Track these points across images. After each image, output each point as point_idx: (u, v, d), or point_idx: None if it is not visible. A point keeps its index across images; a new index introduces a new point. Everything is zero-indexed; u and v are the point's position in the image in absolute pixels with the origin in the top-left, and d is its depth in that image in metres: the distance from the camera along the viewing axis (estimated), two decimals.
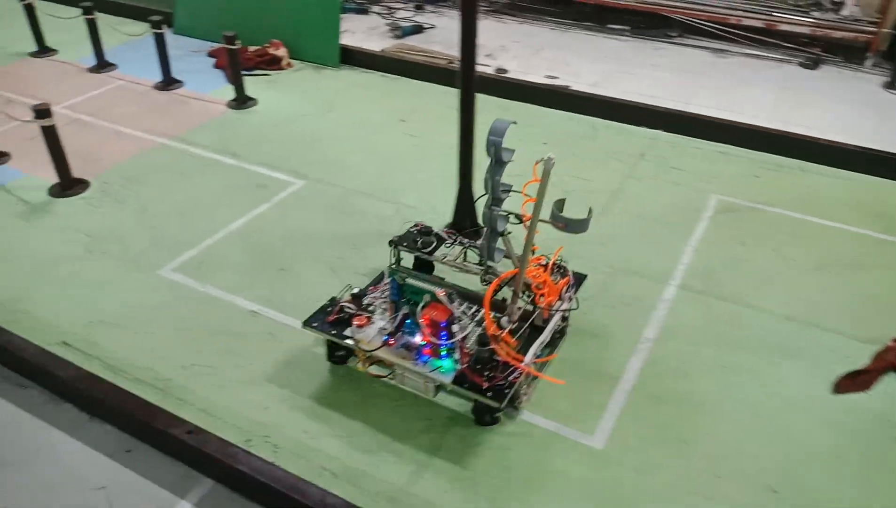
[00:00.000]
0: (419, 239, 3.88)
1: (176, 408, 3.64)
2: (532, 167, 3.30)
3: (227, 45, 7.34)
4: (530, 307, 3.59)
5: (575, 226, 3.48)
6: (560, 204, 3.55)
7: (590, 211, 3.57)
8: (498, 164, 3.31)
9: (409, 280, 3.44)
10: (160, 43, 7.91)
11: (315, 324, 3.45)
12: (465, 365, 3.24)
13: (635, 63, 9.04)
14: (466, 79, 4.54)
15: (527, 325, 3.47)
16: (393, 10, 10.64)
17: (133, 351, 4.16)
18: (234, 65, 7.52)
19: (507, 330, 3.40)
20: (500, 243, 3.55)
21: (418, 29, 9.45)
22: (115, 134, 7.03)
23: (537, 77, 8.40)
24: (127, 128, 7.09)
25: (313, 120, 7.18)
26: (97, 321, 4.59)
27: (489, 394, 3.10)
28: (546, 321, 3.51)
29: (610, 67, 8.86)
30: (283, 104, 7.52)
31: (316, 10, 8.25)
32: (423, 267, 4.04)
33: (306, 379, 3.72)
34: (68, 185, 6.01)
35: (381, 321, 3.48)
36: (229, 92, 7.72)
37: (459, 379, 3.20)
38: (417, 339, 3.33)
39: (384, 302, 3.55)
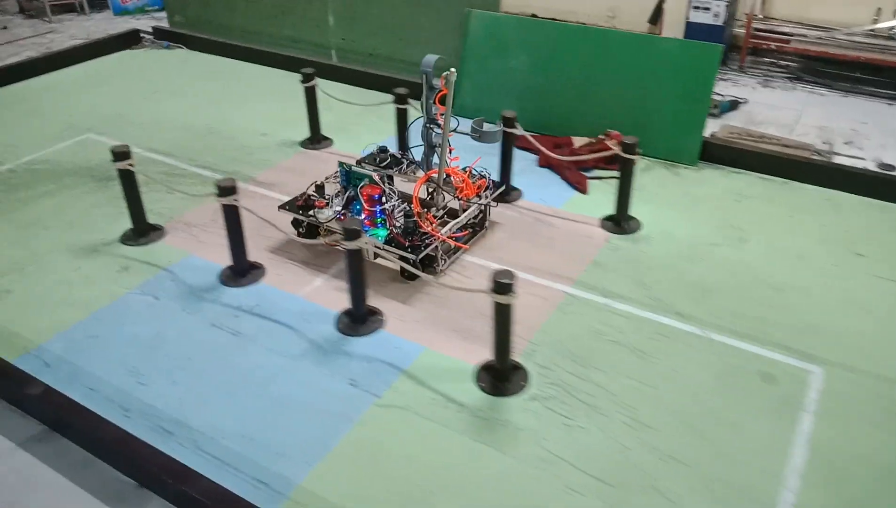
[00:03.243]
0: (378, 157, 4.94)
1: None
2: None
3: (552, 137, 5.53)
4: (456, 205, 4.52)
5: (487, 137, 4.47)
6: (479, 122, 4.47)
7: (500, 123, 4.67)
8: (430, 89, 4.32)
9: (354, 168, 4.51)
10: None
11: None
12: (395, 233, 4.19)
13: None
14: None
15: (444, 212, 4.52)
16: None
17: None
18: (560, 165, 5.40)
19: (429, 211, 4.38)
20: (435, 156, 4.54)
21: (734, 105, 7.39)
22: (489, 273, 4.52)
23: None
24: (494, 262, 4.65)
25: (732, 252, 4.91)
26: None
27: (409, 249, 4.08)
28: (464, 211, 4.46)
29: None
30: (669, 225, 5.18)
31: (676, 91, 6.03)
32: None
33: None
34: (504, 375, 3.66)
35: (337, 206, 4.48)
36: (587, 205, 5.40)
37: (388, 241, 4.20)
38: (362, 216, 4.31)
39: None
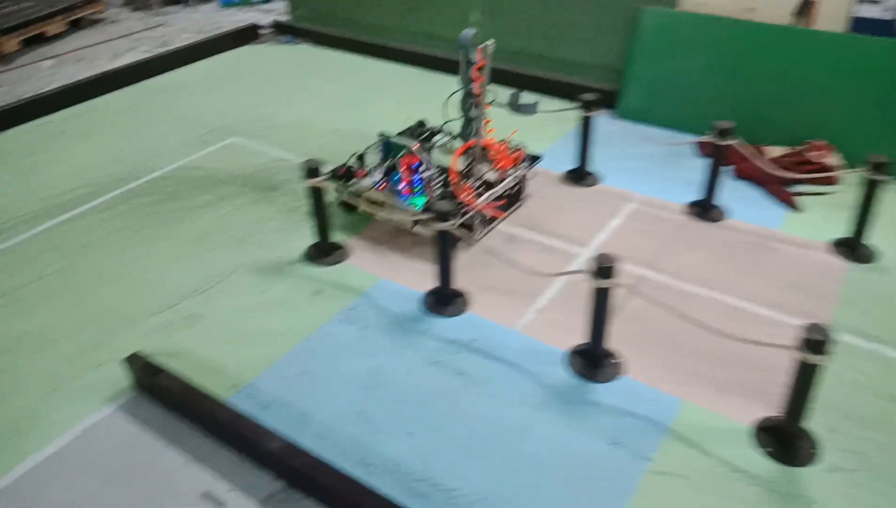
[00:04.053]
0: (416, 130, 5.07)
1: None
2: None
3: (738, 143, 4.75)
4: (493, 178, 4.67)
5: (526, 108, 4.74)
6: (516, 95, 4.72)
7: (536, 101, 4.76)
8: (468, 63, 4.37)
9: (393, 139, 4.69)
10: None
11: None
12: (433, 201, 4.28)
13: None
14: None
15: (481, 182, 4.64)
16: None
17: None
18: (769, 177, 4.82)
19: (466, 183, 4.54)
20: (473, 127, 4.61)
21: None
22: (733, 312, 4.00)
23: None
24: (730, 296, 4.11)
25: None
26: None
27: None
28: (500, 182, 4.63)
29: None
30: None
31: (886, 96, 5.35)
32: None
33: None
34: (792, 439, 3.17)
35: (377, 175, 4.61)
36: (804, 226, 4.76)
37: (426, 210, 4.29)
38: (401, 185, 4.44)
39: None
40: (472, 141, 4.63)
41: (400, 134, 4.99)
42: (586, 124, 5.19)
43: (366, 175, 4.65)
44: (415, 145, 4.53)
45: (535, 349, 3.77)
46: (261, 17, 9.63)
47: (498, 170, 4.71)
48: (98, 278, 4.39)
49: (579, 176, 5.36)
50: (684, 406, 3.40)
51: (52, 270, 4.50)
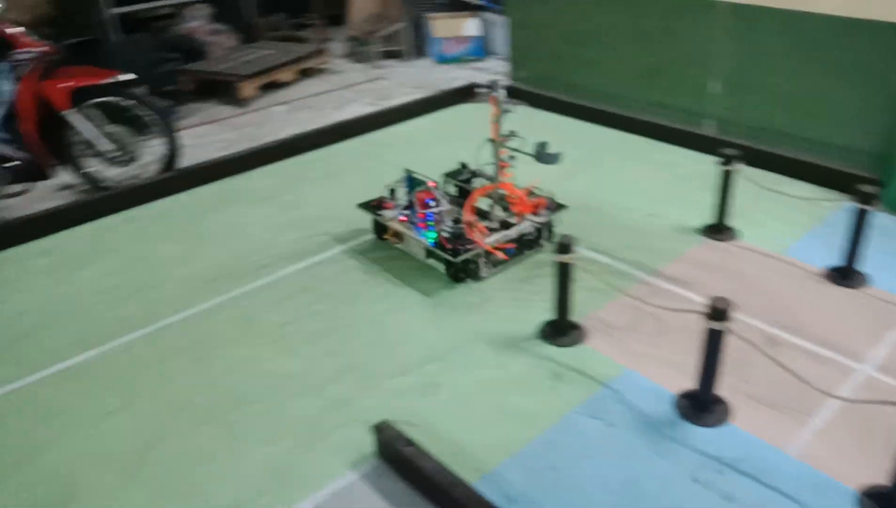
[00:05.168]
0: (459, 172, 5.48)
1: None
2: None
3: None
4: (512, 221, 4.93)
5: (548, 158, 4.82)
6: (542, 145, 4.82)
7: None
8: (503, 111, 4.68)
9: (414, 174, 5.05)
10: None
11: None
12: (442, 236, 4.68)
13: None
14: None
15: (499, 225, 4.92)
16: None
17: None
18: None
19: (478, 221, 4.82)
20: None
21: None
22: None
23: None
24: None
25: None
26: None
27: (450, 252, 4.58)
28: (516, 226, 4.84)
29: None
30: None
31: None
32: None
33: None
34: None
35: (400, 208, 5.04)
36: None
37: (436, 244, 4.69)
38: (416, 218, 4.83)
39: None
40: (489, 186, 4.94)
41: (447, 175, 5.46)
42: (860, 219, 4.62)
43: (392, 207, 5.04)
44: (431, 183, 4.87)
45: (816, 481, 3.28)
46: (474, 74, 9.80)
47: (516, 215, 4.91)
48: (350, 328, 4.48)
49: (845, 275, 4.76)
50: None
51: (310, 311, 4.62)
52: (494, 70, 9.76)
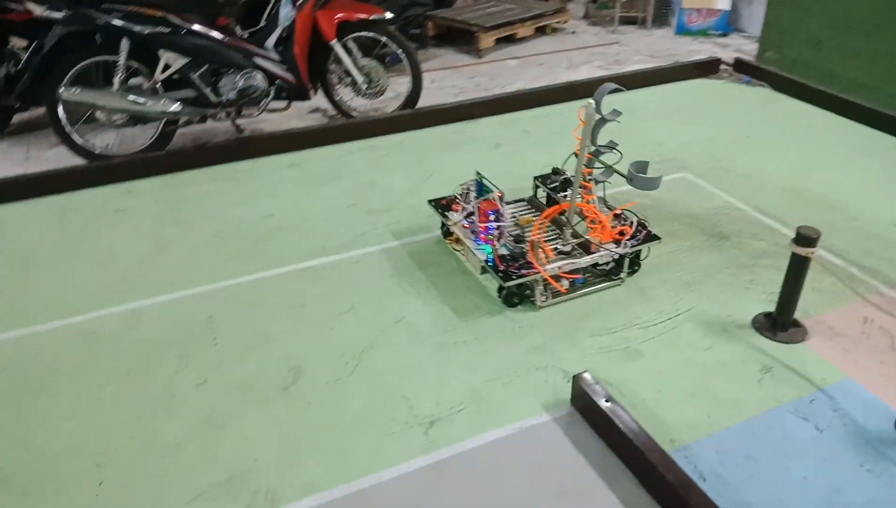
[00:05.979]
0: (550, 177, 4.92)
1: None
2: None
3: None
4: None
5: (643, 183, 4.02)
6: (641, 165, 4.07)
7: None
8: (599, 121, 3.98)
9: (485, 181, 4.44)
10: None
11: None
12: (496, 253, 4.16)
13: None
14: None
15: (571, 248, 4.35)
16: None
17: None
18: None
19: (545, 241, 4.38)
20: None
21: None
22: None
23: None
24: None
25: None
26: None
27: (500, 274, 4.04)
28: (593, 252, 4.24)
29: None
30: None
31: None
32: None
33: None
34: None
35: (464, 213, 4.50)
36: None
37: (490, 261, 4.15)
38: (478, 228, 4.28)
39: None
40: (565, 204, 4.38)
41: (537, 179, 4.94)
42: None
43: (459, 210, 4.60)
44: (497, 193, 4.31)
45: None
46: (716, 49, 9.31)
47: (593, 241, 4.32)
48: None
49: None
50: None
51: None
52: (738, 47, 9.22)
